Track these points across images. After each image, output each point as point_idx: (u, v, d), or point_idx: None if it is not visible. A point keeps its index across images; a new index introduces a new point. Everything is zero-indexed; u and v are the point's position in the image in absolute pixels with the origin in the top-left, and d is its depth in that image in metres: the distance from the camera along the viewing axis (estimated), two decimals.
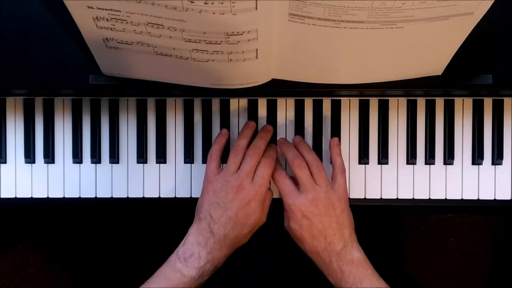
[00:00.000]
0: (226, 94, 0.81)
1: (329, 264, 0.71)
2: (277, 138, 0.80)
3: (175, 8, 0.57)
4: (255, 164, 0.74)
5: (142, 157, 0.81)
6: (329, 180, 0.74)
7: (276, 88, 0.75)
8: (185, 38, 0.62)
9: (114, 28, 0.62)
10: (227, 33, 0.60)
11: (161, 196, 0.82)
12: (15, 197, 0.82)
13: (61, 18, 0.62)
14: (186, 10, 0.57)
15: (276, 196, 0.77)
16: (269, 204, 0.76)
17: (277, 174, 0.75)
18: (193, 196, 0.82)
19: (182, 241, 0.72)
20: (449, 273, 1.12)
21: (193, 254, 0.70)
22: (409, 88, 0.76)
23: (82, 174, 0.82)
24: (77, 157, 0.81)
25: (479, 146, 0.81)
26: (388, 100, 0.82)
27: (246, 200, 0.71)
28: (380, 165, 0.82)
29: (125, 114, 0.82)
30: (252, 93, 0.80)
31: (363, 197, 0.82)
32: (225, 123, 0.82)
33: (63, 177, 0.82)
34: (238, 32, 0.60)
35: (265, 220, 0.76)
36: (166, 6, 0.57)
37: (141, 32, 0.63)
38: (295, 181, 0.75)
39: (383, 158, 0.81)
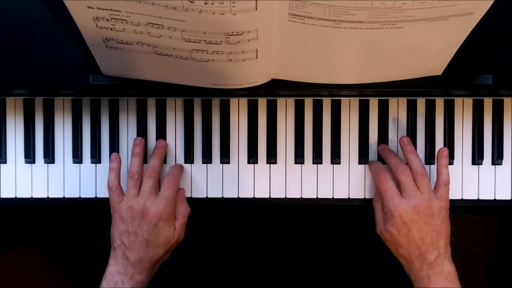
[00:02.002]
0: (226, 94, 0.81)
1: (419, 271, 0.72)
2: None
3: (175, 8, 0.57)
4: (155, 184, 0.75)
5: None
6: (431, 188, 0.74)
7: (276, 88, 0.75)
8: (185, 38, 0.62)
9: (114, 28, 0.62)
10: (227, 33, 0.60)
11: None
12: (15, 197, 0.82)
13: (61, 18, 0.62)
14: (186, 10, 0.57)
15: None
16: (185, 220, 0.77)
17: (381, 176, 0.75)
18: (193, 196, 0.82)
19: (104, 275, 0.73)
20: None
21: (117, 284, 0.71)
22: (409, 88, 0.76)
23: (82, 174, 0.82)
24: (77, 157, 0.81)
25: (479, 146, 0.81)
26: (388, 100, 0.82)
27: (154, 222, 0.73)
28: None
29: (125, 114, 0.82)
30: (252, 93, 0.80)
31: (363, 197, 0.82)
32: (225, 123, 0.82)
33: (63, 177, 0.82)
34: (238, 32, 0.60)
35: (183, 236, 0.77)
36: (166, 6, 0.57)
37: (141, 32, 0.63)
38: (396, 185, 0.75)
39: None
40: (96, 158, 0.81)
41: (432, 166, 0.81)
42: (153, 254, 0.73)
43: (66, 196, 0.82)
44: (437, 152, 0.76)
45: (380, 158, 0.81)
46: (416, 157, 0.75)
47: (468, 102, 0.82)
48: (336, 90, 0.79)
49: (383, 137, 0.82)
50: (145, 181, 0.75)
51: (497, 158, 0.81)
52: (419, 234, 0.71)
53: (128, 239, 0.73)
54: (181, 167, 0.81)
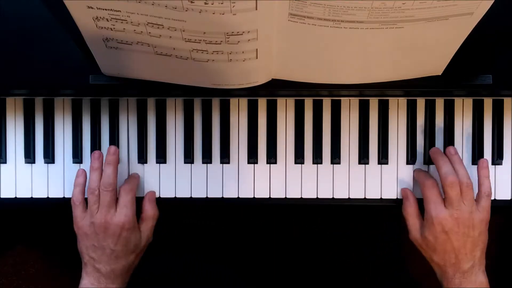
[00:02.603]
0: (226, 94, 0.81)
1: (451, 279, 0.73)
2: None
3: (175, 8, 0.57)
4: (113, 196, 0.75)
5: (142, 157, 0.81)
6: (474, 199, 0.74)
7: (276, 88, 0.75)
8: (185, 38, 0.62)
9: (114, 28, 0.62)
10: (227, 33, 0.60)
11: (161, 196, 0.82)
12: (15, 197, 0.82)
13: (61, 18, 0.62)
14: (186, 10, 0.57)
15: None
16: (153, 223, 0.79)
17: (428, 181, 0.76)
18: (193, 196, 0.82)
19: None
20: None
21: None
22: (409, 88, 0.76)
23: None
24: (77, 157, 0.81)
25: (479, 146, 0.81)
26: (388, 100, 0.82)
27: (117, 233, 0.73)
28: (380, 165, 0.82)
29: (125, 114, 0.82)
30: (252, 93, 0.80)
31: (363, 197, 0.82)
32: (225, 123, 0.82)
33: (63, 177, 0.82)
34: (238, 32, 0.60)
35: (151, 237, 0.78)
36: (166, 6, 0.57)
37: (141, 32, 0.63)
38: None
39: (383, 158, 0.81)
40: None
41: (431, 166, 0.81)
42: (125, 262, 0.75)
43: (66, 196, 0.82)
44: (478, 163, 0.77)
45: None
46: (463, 167, 0.75)
47: (468, 102, 0.82)
48: (336, 90, 0.79)
49: (383, 137, 0.82)
50: (103, 196, 0.75)
51: (497, 158, 0.81)
52: (457, 244, 0.72)
53: (96, 253, 0.74)
54: (137, 175, 0.81)
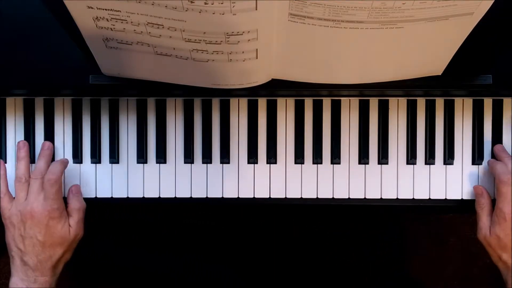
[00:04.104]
0: (226, 94, 0.81)
1: None
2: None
3: (175, 8, 0.57)
4: (40, 185, 0.75)
5: (142, 157, 0.81)
6: None
7: (276, 88, 0.75)
8: (185, 38, 0.62)
9: (114, 28, 0.62)
10: (227, 33, 0.60)
11: (161, 196, 0.82)
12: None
13: (61, 18, 0.62)
14: (186, 10, 0.57)
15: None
16: (81, 216, 0.78)
17: (505, 177, 0.75)
18: (193, 196, 0.82)
19: (9, 286, 0.73)
20: (449, 273, 1.12)
21: None
22: (409, 88, 0.76)
23: (82, 174, 0.82)
24: (77, 157, 0.81)
25: (479, 146, 0.81)
26: (388, 100, 0.82)
27: (44, 222, 0.73)
28: (380, 165, 0.82)
29: (125, 114, 0.82)
30: (252, 93, 0.80)
31: (363, 197, 0.82)
32: (225, 123, 0.82)
33: (63, 177, 0.82)
34: (238, 32, 0.60)
35: (82, 232, 0.78)
36: (166, 6, 0.57)
37: (141, 32, 0.63)
38: None
39: (383, 158, 0.81)
40: (96, 158, 0.81)
41: (431, 166, 0.81)
42: (51, 253, 0.74)
43: (66, 196, 0.81)
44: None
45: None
46: None
47: (468, 102, 0.82)
48: (336, 90, 0.79)
49: (383, 137, 0.82)
50: (32, 183, 0.75)
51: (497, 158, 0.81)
52: None
53: (23, 243, 0.73)
54: (62, 162, 0.78)
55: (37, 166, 0.77)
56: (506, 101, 0.82)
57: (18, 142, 0.79)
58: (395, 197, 0.82)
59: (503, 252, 0.73)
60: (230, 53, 0.65)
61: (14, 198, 0.77)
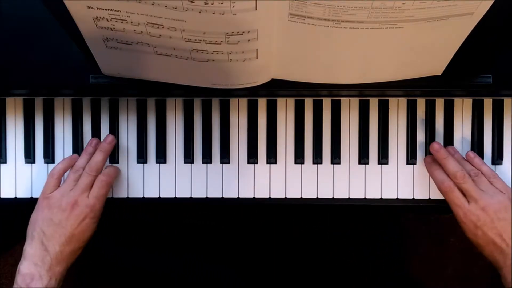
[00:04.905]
0: (226, 94, 0.81)
1: (504, 268, 0.71)
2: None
3: (175, 8, 0.57)
4: (91, 181, 0.75)
5: (142, 157, 0.82)
6: (489, 183, 0.74)
7: (276, 88, 0.75)
8: (185, 38, 0.62)
9: (114, 28, 0.62)
10: (227, 33, 0.61)
11: (161, 196, 0.82)
12: (15, 197, 0.82)
13: (61, 18, 0.62)
14: (186, 10, 0.57)
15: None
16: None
17: (444, 186, 0.75)
18: (193, 196, 0.82)
19: (17, 269, 0.72)
20: (449, 273, 1.12)
21: (34, 277, 0.70)
22: (409, 88, 0.76)
23: None
24: None
25: (479, 146, 0.81)
26: (388, 100, 0.82)
27: (81, 217, 0.73)
28: (380, 165, 0.82)
29: (125, 114, 0.82)
30: (252, 93, 0.80)
31: (363, 197, 0.82)
32: (225, 123, 0.82)
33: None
34: (238, 32, 0.60)
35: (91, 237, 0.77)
36: (166, 6, 0.57)
37: (141, 32, 0.63)
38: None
39: (383, 158, 0.81)
40: None
41: None
42: (74, 247, 0.73)
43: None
44: (467, 157, 0.78)
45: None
46: (466, 162, 0.77)
47: (468, 102, 0.82)
48: (336, 90, 0.79)
49: (383, 137, 0.82)
50: (83, 177, 0.75)
51: (497, 158, 0.81)
52: (496, 232, 0.71)
53: (50, 228, 0.72)
54: (117, 169, 0.80)
55: (93, 161, 0.76)
56: (506, 101, 0.82)
57: (92, 139, 0.79)
58: (395, 197, 0.82)
59: (482, 251, 0.73)
60: (230, 53, 0.65)
61: (60, 186, 0.76)
